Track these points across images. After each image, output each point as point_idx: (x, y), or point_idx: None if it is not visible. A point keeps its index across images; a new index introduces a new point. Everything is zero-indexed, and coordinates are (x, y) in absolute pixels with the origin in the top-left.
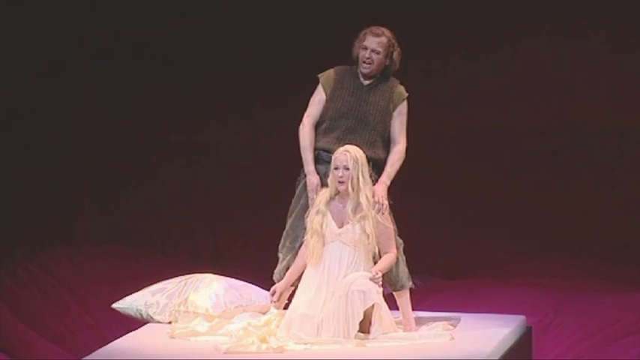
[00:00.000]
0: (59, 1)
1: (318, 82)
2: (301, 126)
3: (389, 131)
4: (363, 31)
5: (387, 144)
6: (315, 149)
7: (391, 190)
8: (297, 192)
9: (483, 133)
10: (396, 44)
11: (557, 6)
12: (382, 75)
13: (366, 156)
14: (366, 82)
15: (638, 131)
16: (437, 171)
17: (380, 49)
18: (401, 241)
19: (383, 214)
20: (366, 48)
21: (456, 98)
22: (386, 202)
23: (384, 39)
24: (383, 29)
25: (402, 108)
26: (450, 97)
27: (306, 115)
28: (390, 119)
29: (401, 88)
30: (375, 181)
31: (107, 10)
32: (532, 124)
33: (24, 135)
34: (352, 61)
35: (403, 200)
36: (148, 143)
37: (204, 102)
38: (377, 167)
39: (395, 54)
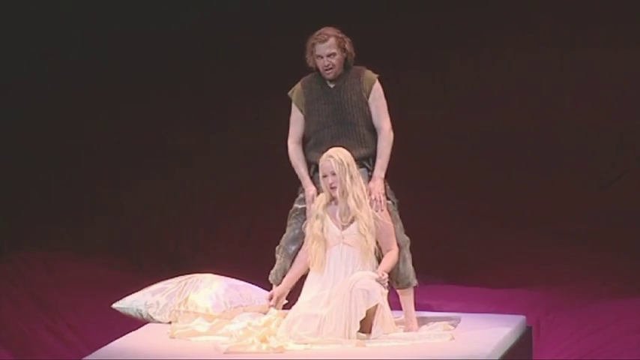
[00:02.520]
0: (67, 3)
1: (290, 101)
2: (288, 148)
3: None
4: (310, 42)
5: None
6: (313, 164)
7: (393, 189)
8: (298, 196)
9: (483, 134)
10: (343, 36)
11: (555, 7)
12: (345, 70)
13: (361, 154)
14: (333, 85)
15: (633, 132)
16: (437, 171)
17: (334, 51)
18: (407, 238)
19: (382, 210)
20: (321, 56)
21: (457, 99)
22: (383, 198)
23: (332, 40)
24: (326, 31)
25: (375, 92)
26: (451, 97)
27: (289, 136)
28: (368, 108)
29: (368, 74)
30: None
31: (115, 14)
32: (532, 123)
33: (28, 138)
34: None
35: (403, 200)
36: (150, 145)
37: (206, 104)
38: (374, 160)
39: (347, 45)
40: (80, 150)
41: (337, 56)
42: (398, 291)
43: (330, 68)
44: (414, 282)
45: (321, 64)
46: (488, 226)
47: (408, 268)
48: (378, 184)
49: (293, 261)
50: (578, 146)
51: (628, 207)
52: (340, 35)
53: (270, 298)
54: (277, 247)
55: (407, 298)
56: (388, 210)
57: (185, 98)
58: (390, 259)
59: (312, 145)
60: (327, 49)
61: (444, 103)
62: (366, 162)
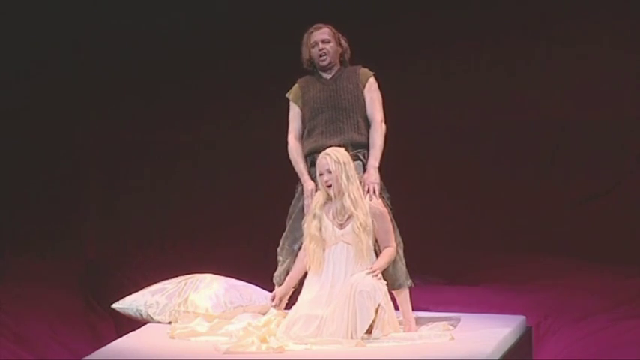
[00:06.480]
0: (62, 2)
1: (289, 102)
2: (287, 144)
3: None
4: (306, 34)
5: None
6: (309, 154)
7: (390, 187)
8: (296, 195)
9: (483, 132)
10: (338, 32)
11: (552, 6)
12: (342, 65)
13: (354, 140)
14: (329, 76)
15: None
16: (437, 170)
17: (328, 37)
18: (400, 239)
19: (377, 199)
20: (315, 43)
21: (455, 97)
22: (377, 188)
23: (326, 29)
24: (320, 24)
25: (370, 85)
26: (450, 95)
27: (288, 133)
28: (364, 97)
29: (365, 69)
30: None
31: (113, 12)
32: (532, 122)
33: (27, 137)
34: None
35: (403, 200)
36: (149, 145)
37: (205, 102)
38: (369, 152)
39: (342, 40)
40: (78, 150)
41: (331, 44)
42: (393, 292)
43: (325, 54)
44: (406, 283)
45: (315, 51)
46: (488, 226)
47: (399, 270)
48: (372, 174)
49: None
50: (579, 145)
51: (630, 207)
52: (335, 30)
53: (273, 299)
54: (279, 249)
55: (402, 299)
56: (385, 205)
57: (184, 98)
58: (386, 256)
59: (307, 135)
60: (322, 35)
61: (443, 103)
62: (360, 153)
